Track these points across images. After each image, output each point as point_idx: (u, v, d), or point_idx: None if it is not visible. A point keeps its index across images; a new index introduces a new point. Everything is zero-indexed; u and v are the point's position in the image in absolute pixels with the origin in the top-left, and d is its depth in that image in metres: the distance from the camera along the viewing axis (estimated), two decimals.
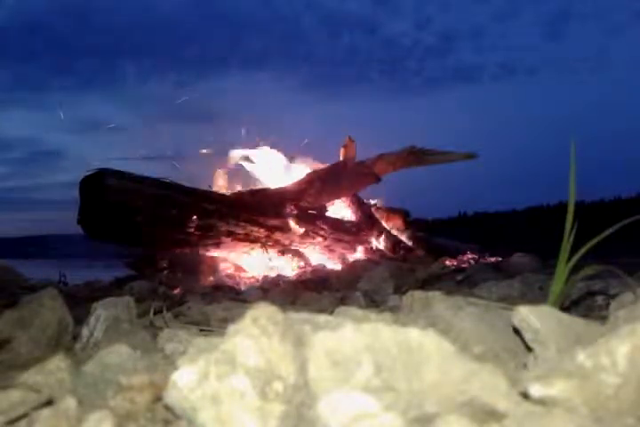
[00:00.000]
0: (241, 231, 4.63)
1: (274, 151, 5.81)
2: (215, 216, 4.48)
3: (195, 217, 4.32)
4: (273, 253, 4.88)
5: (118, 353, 0.82)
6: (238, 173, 5.76)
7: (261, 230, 4.75)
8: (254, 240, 4.75)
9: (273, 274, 4.56)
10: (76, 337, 1.31)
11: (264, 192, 5.28)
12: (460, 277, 3.15)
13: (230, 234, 4.58)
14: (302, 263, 4.81)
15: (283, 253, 4.88)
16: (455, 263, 4.74)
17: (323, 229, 5.19)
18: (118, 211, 4.15)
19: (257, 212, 4.77)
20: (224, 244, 4.62)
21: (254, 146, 5.83)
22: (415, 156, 6.17)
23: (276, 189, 5.40)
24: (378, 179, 6.03)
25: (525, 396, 0.55)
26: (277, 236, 4.85)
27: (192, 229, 4.35)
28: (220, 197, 4.83)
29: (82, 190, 4.32)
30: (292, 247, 4.97)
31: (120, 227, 4.24)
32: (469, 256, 5.45)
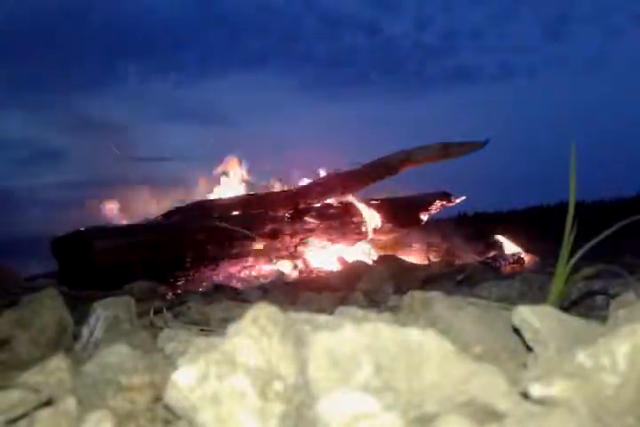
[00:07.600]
0: (238, 250, 4.55)
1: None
2: (210, 243, 4.39)
3: (188, 259, 4.19)
4: (274, 253, 4.87)
5: (118, 353, 0.82)
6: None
7: (258, 242, 4.66)
8: (251, 253, 4.67)
9: (273, 274, 4.56)
10: (76, 337, 1.31)
11: (266, 196, 5.21)
12: (460, 277, 3.14)
13: (228, 255, 4.50)
14: (303, 264, 4.80)
15: (285, 253, 4.86)
16: (455, 263, 4.74)
17: (329, 227, 5.15)
18: (110, 269, 3.89)
19: (253, 225, 4.65)
20: (223, 262, 4.54)
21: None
22: (441, 150, 6.11)
23: (280, 193, 5.37)
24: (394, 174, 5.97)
25: (525, 396, 0.55)
26: (277, 243, 4.79)
27: (189, 264, 4.25)
28: (209, 226, 4.54)
29: (59, 250, 4.06)
30: (293, 248, 4.95)
31: (114, 280, 3.75)
32: (469, 256, 5.45)
